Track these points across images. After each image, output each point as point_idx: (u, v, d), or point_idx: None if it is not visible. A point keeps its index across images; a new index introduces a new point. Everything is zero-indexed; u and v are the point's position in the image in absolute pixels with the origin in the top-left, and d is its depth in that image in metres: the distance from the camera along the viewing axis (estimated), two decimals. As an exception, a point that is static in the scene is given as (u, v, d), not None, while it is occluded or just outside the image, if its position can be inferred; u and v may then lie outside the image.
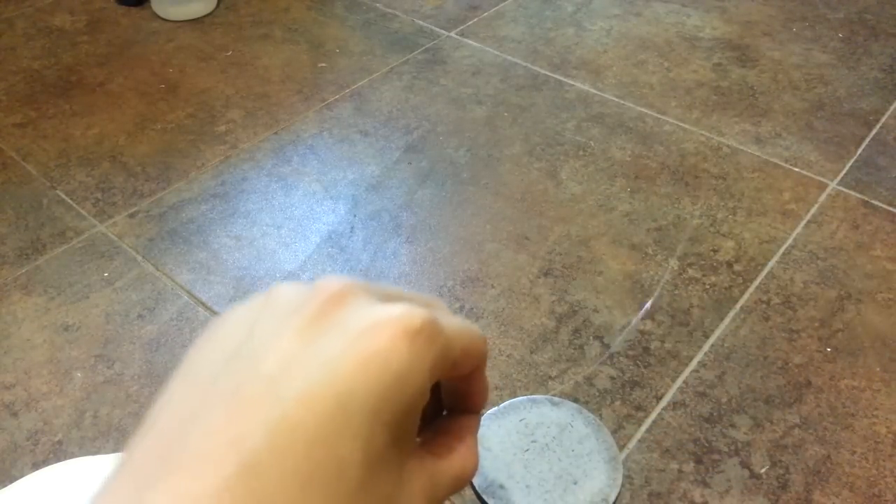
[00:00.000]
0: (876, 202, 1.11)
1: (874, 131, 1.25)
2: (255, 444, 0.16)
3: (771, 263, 1.02)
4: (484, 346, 0.24)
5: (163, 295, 0.99)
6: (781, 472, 0.79)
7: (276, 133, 1.27)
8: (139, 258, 1.05)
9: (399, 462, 0.19)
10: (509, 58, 1.43)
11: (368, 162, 1.20)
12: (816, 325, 0.94)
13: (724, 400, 0.86)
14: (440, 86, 1.36)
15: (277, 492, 0.16)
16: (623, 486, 0.78)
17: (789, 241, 1.05)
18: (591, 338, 0.93)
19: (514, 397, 0.85)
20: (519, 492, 0.76)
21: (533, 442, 0.80)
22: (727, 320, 0.94)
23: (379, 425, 0.18)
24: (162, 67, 1.43)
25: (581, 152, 1.21)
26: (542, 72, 1.39)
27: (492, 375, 0.88)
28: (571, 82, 1.36)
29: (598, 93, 1.34)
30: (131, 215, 1.12)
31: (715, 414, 0.84)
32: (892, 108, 1.29)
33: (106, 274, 1.03)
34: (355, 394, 0.18)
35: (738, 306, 0.96)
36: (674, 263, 1.01)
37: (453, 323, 0.22)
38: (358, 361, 0.18)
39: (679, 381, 0.88)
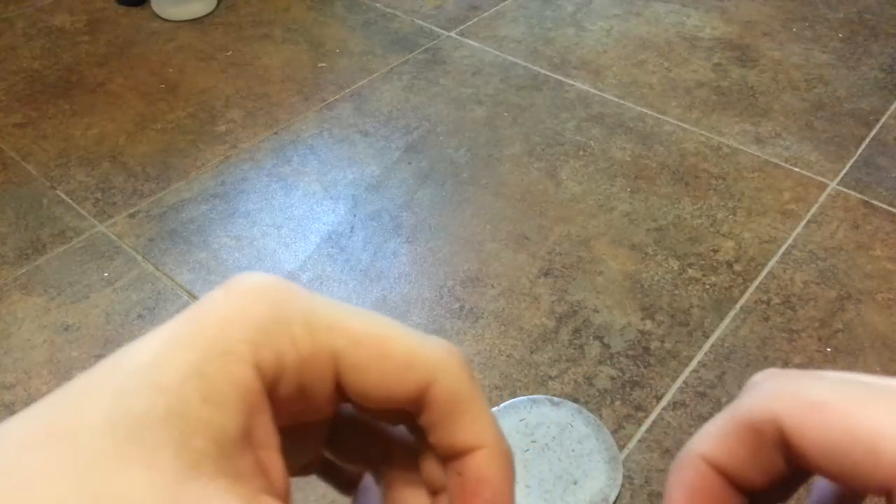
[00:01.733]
0: (876, 202, 1.11)
1: (874, 131, 1.25)
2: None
3: (771, 263, 1.02)
4: (445, 371, 0.18)
5: (163, 295, 0.99)
6: (781, 472, 0.79)
7: (276, 133, 1.27)
8: (139, 258, 1.05)
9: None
10: (509, 58, 1.43)
11: (368, 162, 1.20)
12: (816, 325, 0.94)
13: (724, 400, 0.86)
14: (440, 86, 1.36)
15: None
16: (623, 486, 0.78)
17: (789, 241, 1.05)
18: (591, 338, 0.93)
19: (514, 397, 0.85)
20: (519, 492, 0.76)
21: (533, 442, 0.80)
22: (727, 320, 0.94)
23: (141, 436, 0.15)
24: (162, 67, 1.43)
25: (581, 152, 1.21)
26: (542, 72, 1.39)
27: (492, 375, 0.88)
28: (571, 82, 1.36)
29: (598, 93, 1.34)
30: (131, 215, 1.12)
31: (715, 414, 0.84)
32: (892, 108, 1.29)
33: (106, 274, 1.03)
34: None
35: (738, 306, 0.96)
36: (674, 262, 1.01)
37: (365, 314, 0.18)
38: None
39: (679, 381, 0.88)
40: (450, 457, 0.19)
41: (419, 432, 0.20)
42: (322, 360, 0.17)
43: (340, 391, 0.18)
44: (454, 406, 0.18)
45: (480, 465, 0.19)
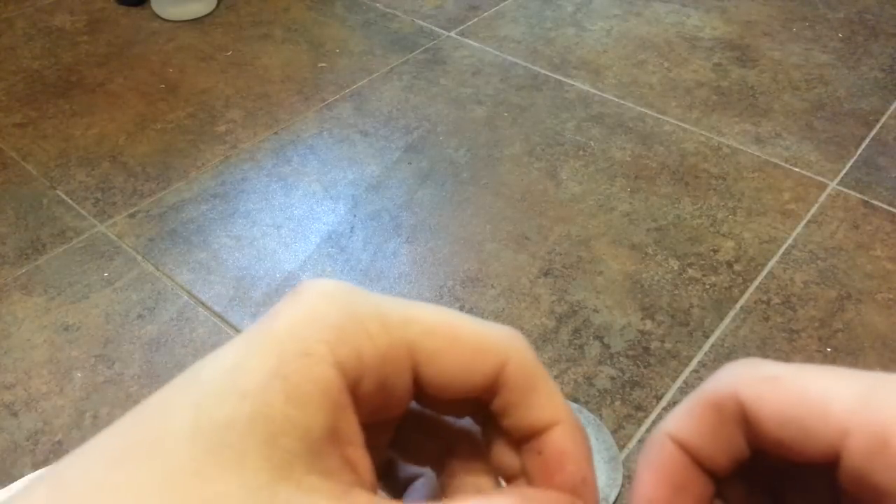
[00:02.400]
0: (876, 202, 1.11)
1: (874, 131, 1.25)
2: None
3: (771, 263, 1.02)
4: (512, 354, 0.19)
5: (163, 295, 0.99)
6: (781, 472, 0.79)
7: (276, 133, 1.27)
8: (139, 258, 1.05)
9: None
10: (509, 58, 1.43)
11: (368, 162, 1.20)
12: (816, 325, 0.94)
13: (724, 400, 0.86)
14: (440, 86, 1.36)
15: None
16: (623, 486, 0.78)
17: (789, 241, 1.05)
18: (591, 338, 0.93)
19: (514, 397, 0.85)
20: (519, 492, 0.76)
21: (533, 442, 0.80)
22: (727, 320, 0.95)
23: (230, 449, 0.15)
24: (162, 67, 1.43)
25: (581, 152, 1.21)
26: (542, 72, 1.39)
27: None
28: (571, 82, 1.36)
29: (598, 93, 1.34)
30: (131, 215, 1.12)
31: (715, 414, 0.84)
32: (892, 108, 1.29)
33: (106, 274, 1.03)
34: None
35: (738, 306, 0.96)
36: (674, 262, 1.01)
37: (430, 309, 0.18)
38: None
39: (679, 381, 0.88)
40: (525, 437, 0.19)
41: (486, 421, 0.20)
42: (399, 353, 0.18)
43: (416, 385, 0.19)
44: (529, 384, 0.19)
45: (560, 439, 0.19)
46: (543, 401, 0.19)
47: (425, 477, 0.22)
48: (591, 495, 0.19)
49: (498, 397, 0.19)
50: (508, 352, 0.19)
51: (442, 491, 0.21)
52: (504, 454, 0.20)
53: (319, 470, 0.15)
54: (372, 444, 0.20)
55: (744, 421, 0.18)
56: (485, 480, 0.20)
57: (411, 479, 0.22)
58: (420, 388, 0.19)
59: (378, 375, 0.17)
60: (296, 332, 0.16)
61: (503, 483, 0.21)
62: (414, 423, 0.22)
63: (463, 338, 0.18)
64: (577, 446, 0.19)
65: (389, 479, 0.23)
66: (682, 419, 0.19)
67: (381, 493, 0.19)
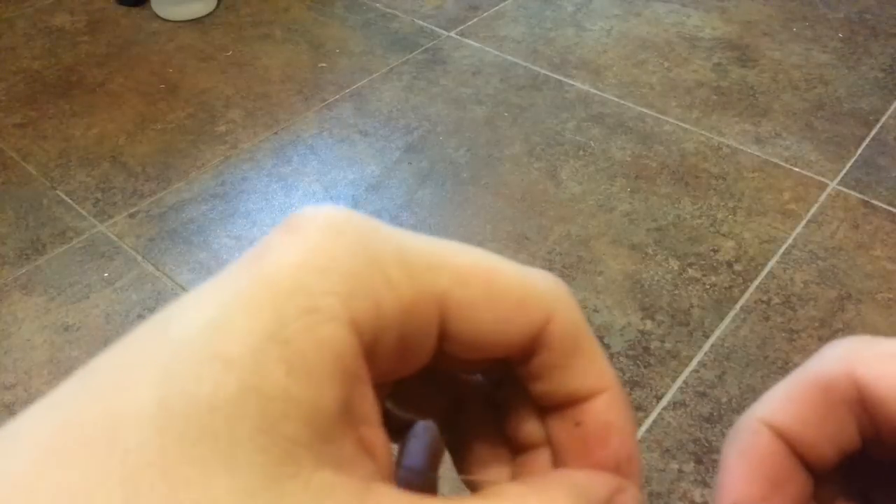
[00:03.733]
0: (876, 202, 1.11)
1: (874, 131, 1.25)
2: None
3: (771, 263, 1.02)
4: (556, 302, 0.15)
5: (163, 295, 0.99)
6: (781, 471, 0.79)
7: (276, 133, 1.27)
8: (139, 258, 1.05)
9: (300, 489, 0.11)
10: (509, 58, 1.43)
11: (368, 162, 1.20)
12: (816, 324, 0.94)
13: (724, 400, 0.86)
14: (440, 86, 1.36)
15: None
16: (623, 486, 0.78)
17: (789, 241, 1.05)
18: (591, 338, 0.93)
19: (514, 397, 0.85)
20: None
21: (533, 442, 0.80)
22: (727, 320, 0.94)
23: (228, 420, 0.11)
24: (162, 67, 1.43)
25: (581, 152, 1.21)
26: (542, 72, 1.39)
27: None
28: (571, 82, 1.36)
29: (598, 93, 1.34)
30: (131, 215, 1.12)
31: (715, 414, 0.84)
32: (892, 108, 1.29)
33: (106, 274, 1.03)
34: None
35: (738, 306, 0.96)
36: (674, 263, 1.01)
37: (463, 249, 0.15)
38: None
39: (679, 381, 0.88)
40: (561, 405, 0.16)
41: (506, 380, 0.17)
42: (426, 306, 0.14)
43: (441, 341, 0.15)
44: (574, 345, 0.16)
45: (604, 410, 0.16)
46: (588, 365, 0.16)
47: (423, 425, 0.19)
48: (636, 474, 0.16)
49: (536, 358, 0.16)
50: (554, 306, 0.15)
51: (450, 452, 0.18)
52: (526, 421, 0.17)
53: (332, 461, 0.12)
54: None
55: (858, 405, 0.15)
56: (502, 451, 0.18)
57: (407, 422, 0.19)
58: (445, 345, 0.15)
59: (398, 334, 0.14)
60: (296, 279, 0.13)
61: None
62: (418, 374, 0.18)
63: (502, 288, 0.15)
64: (624, 419, 0.16)
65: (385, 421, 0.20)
66: (781, 404, 0.16)
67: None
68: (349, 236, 0.14)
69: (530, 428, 0.17)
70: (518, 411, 0.17)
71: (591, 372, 0.16)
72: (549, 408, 0.16)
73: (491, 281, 0.15)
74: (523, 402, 0.17)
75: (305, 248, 0.13)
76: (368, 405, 0.13)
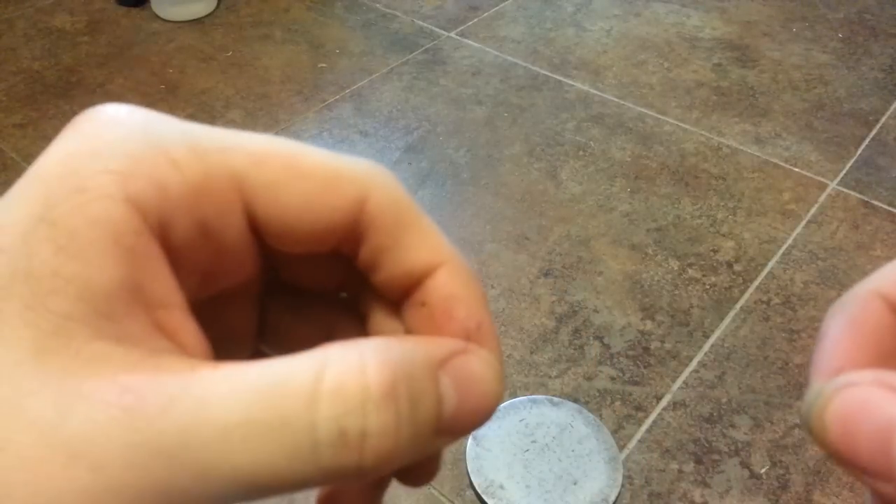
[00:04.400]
0: (876, 202, 1.11)
1: (874, 131, 1.25)
2: None
3: (771, 263, 1.02)
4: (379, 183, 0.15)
5: (163, 295, 0.99)
6: (781, 472, 0.79)
7: (276, 133, 1.27)
8: (139, 259, 1.05)
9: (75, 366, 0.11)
10: (509, 58, 1.43)
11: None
12: (817, 325, 0.94)
13: (724, 400, 0.86)
14: (440, 86, 1.36)
15: None
16: (623, 486, 0.78)
17: (789, 241, 1.05)
18: (591, 338, 0.93)
19: (514, 397, 0.85)
20: (519, 492, 0.76)
21: (533, 442, 0.80)
22: (727, 320, 0.95)
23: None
24: (162, 68, 1.43)
25: (581, 152, 1.21)
26: (542, 72, 1.39)
27: (492, 376, 0.88)
28: (571, 82, 1.36)
29: (598, 93, 1.34)
30: (131, 216, 1.12)
31: (715, 414, 0.84)
32: (892, 108, 1.29)
33: (106, 274, 1.03)
34: None
35: (738, 306, 0.96)
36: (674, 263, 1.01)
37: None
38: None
39: (679, 381, 0.88)
40: (406, 289, 0.15)
41: (362, 288, 0.17)
42: (220, 185, 0.13)
43: (257, 234, 0.14)
44: (399, 220, 0.15)
45: (445, 283, 0.15)
46: (419, 239, 0.15)
47: None
48: (488, 341, 0.15)
49: (364, 244, 0.15)
50: (369, 184, 0.15)
51: None
52: (385, 323, 0.16)
53: (111, 335, 0.12)
54: (231, 330, 0.17)
55: None
56: None
57: None
58: (263, 236, 0.15)
59: (195, 215, 0.13)
60: (67, 165, 0.12)
61: None
62: (283, 307, 0.18)
63: (305, 167, 0.14)
64: (468, 288, 0.15)
65: None
66: None
67: None
68: (129, 125, 0.13)
69: (391, 327, 0.16)
70: (378, 315, 0.17)
71: (424, 247, 0.15)
72: (399, 299, 0.16)
73: (291, 160, 0.14)
74: (380, 304, 0.16)
75: (80, 138, 0.13)
76: (164, 287, 0.13)
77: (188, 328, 0.13)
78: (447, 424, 0.13)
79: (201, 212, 0.13)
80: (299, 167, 0.14)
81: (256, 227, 0.14)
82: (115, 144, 0.13)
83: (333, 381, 0.12)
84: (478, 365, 0.14)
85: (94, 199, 0.12)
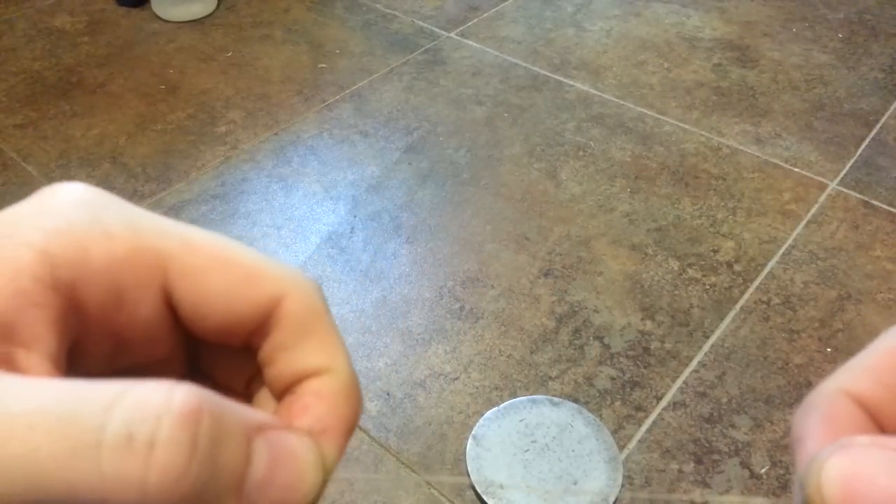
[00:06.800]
0: (876, 202, 1.11)
1: (874, 131, 1.25)
2: None
3: (771, 264, 1.02)
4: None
5: (163, 295, 0.99)
6: (781, 472, 0.79)
7: (276, 134, 1.27)
8: (139, 259, 1.05)
9: None
10: (509, 58, 1.43)
11: (368, 162, 1.20)
12: (816, 325, 0.94)
13: (724, 400, 0.86)
14: (440, 86, 1.36)
15: None
16: (623, 486, 0.78)
17: (789, 242, 1.05)
18: (591, 338, 0.93)
19: (515, 398, 0.85)
20: (519, 492, 0.76)
21: (533, 442, 0.80)
22: (727, 320, 0.95)
23: None
24: (162, 68, 1.43)
25: (581, 153, 1.21)
26: (542, 72, 1.39)
27: (492, 376, 0.88)
28: (571, 83, 1.36)
29: (598, 93, 1.34)
30: (132, 216, 1.12)
31: (715, 414, 0.84)
32: (892, 108, 1.29)
33: (106, 275, 1.03)
34: None
35: (738, 306, 0.96)
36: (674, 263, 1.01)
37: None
38: None
39: (679, 381, 0.88)
40: (290, 388, 0.16)
41: (258, 378, 0.17)
42: (145, 261, 0.14)
43: (177, 318, 0.15)
44: (306, 324, 0.15)
45: (322, 385, 0.15)
46: (317, 346, 0.15)
47: None
48: (333, 441, 0.15)
49: (268, 339, 0.15)
50: (289, 286, 0.15)
51: None
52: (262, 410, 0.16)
53: None
54: None
55: None
56: None
57: None
58: (179, 312, 0.15)
59: (113, 282, 0.14)
60: (12, 220, 0.14)
61: None
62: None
63: (232, 258, 0.15)
64: (340, 398, 0.15)
65: None
66: (861, 374, 0.16)
67: None
68: (80, 199, 0.15)
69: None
70: (259, 404, 0.17)
71: (322, 352, 0.15)
72: (281, 397, 0.16)
73: (220, 251, 0.15)
74: (265, 395, 0.17)
75: (35, 202, 0.15)
76: (37, 333, 0.13)
77: (41, 373, 0.13)
78: (253, 492, 0.13)
79: (120, 281, 0.14)
80: (226, 258, 0.15)
81: (176, 308, 0.15)
82: (59, 211, 0.14)
83: (137, 394, 0.12)
84: (300, 446, 0.14)
85: (12, 245, 0.13)
